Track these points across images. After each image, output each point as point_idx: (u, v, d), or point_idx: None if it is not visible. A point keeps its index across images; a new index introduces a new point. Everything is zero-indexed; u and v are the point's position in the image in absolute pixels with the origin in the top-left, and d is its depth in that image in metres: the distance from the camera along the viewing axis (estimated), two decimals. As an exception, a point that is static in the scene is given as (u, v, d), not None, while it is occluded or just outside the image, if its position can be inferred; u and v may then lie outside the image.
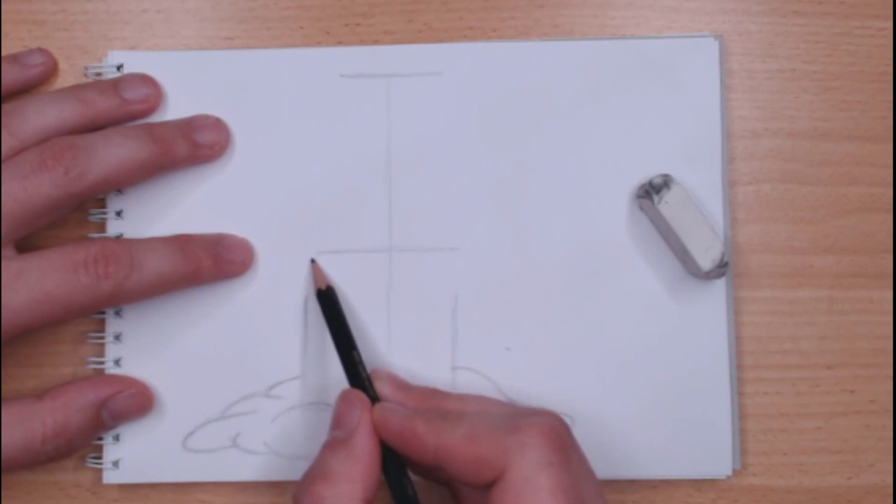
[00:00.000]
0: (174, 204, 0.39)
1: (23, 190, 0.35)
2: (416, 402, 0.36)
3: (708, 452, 0.38)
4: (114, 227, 0.39)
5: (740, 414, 0.39)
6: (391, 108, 0.39)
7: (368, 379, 0.36)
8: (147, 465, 0.38)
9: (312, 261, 0.39)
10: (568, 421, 0.38)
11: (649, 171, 0.39)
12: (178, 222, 0.39)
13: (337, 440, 0.34)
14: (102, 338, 0.39)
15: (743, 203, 0.40)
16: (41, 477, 0.39)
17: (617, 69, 0.39)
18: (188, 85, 0.39)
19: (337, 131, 0.39)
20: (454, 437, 0.32)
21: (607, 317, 0.39)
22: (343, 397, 0.35)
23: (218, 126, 0.39)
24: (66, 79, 0.40)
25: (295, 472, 0.38)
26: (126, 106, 0.38)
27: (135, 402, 0.37)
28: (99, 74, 0.40)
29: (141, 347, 0.39)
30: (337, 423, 0.35)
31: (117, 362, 0.39)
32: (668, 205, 0.37)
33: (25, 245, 0.36)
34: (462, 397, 0.36)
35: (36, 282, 0.34)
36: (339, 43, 0.40)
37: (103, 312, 0.39)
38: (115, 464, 0.38)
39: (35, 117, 0.36)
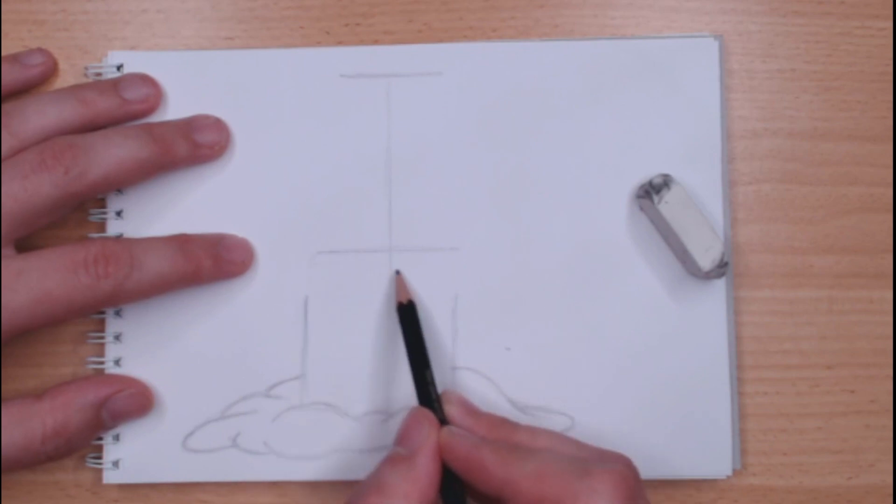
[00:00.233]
0: (174, 204, 0.39)
1: (23, 190, 0.35)
2: (484, 430, 0.35)
3: (708, 452, 0.38)
4: (114, 227, 0.39)
5: (740, 414, 0.39)
6: (391, 108, 0.39)
7: (438, 400, 0.36)
8: (147, 465, 0.38)
9: (397, 272, 0.38)
10: (568, 421, 0.38)
11: (649, 171, 0.39)
12: (178, 222, 0.39)
13: (399, 456, 0.34)
14: (102, 338, 0.39)
15: (743, 203, 0.40)
16: (41, 477, 0.39)
17: (617, 69, 0.39)
18: (188, 85, 0.39)
19: (337, 131, 0.39)
20: (522, 473, 0.32)
21: (607, 317, 0.39)
22: (412, 415, 0.35)
23: (218, 126, 0.39)
24: (66, 79, 0.40)
25: (295, 473, 0.38)
26: (126, 106, 0.38)
27: (135, 402, 0.37)
28: (99, 74, 0.40)
29: (141, 347, 0.39)
30: (402, 439, 0.34)
31: (117, 362, 0.39)
32: (668, 205, 0.37)
33: (25, 245, 0.36)
34: (532, 430, 0.35)
35: (36, 281, 0.34)
36: (339, 43, 0.40)
37: (103, 312, 0.39)
38: (115, 464, 0.38)
39: (35, 117, 0.36)
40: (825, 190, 0.40)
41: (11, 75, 0.39)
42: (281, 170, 0.39)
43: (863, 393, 0.39)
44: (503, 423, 0.36)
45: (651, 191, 0.38)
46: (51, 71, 0.40)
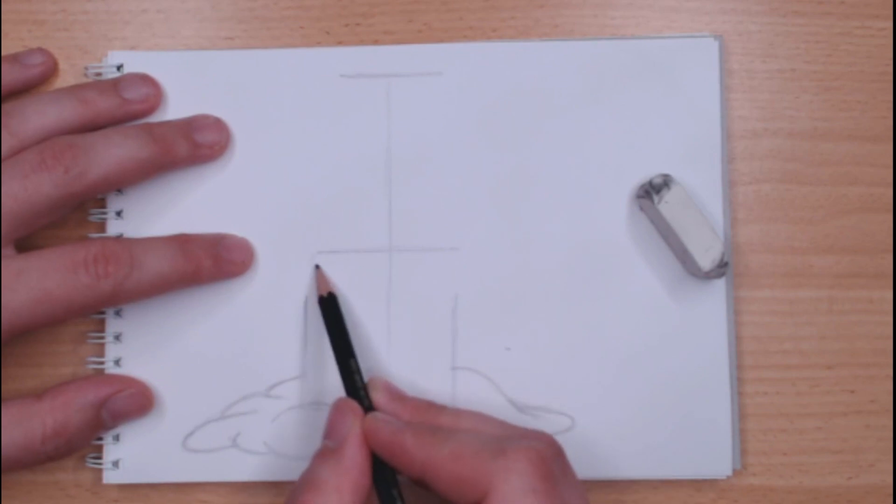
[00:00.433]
0: (174, 204, 0.39)
1: (23, 189, 0.35)
2: (410, 414, 0.36)
3: (708, 452, 0.38)
4: (114, 227, 0.39)
5: (740, 414, 0.39)
6: (391, 108, 0.39)
7: (364, 388, 0.36)
8: (147, 465, 0.38)
9: (317, 267, 0.39)
10: (568, 421, 0.38)
11: (649, 171, 0.39)
12: (178, 222, 0.39)
13: (327, 449, 0.34)
14: (102, 338, 0.39)
15: (743, 203, 0.40)
16: (41, 477, 0.39)
17: (617, 69, 0.39)
18: (188, 85, 0.39)
19: (337, 131, 0.39)
20: (440, 455, 0.32)
21: (607, 317, 0.39)
22: (336, 406, 0.35)
23: (218, 126, 0.39)
24: (66, 79, 0.40)
25: (295, 473, 0.38)
26: (126, 106, 0.38)
27: (135, 402, 0.37)
28: (99, 74, 0.40)
29: (141, 347, 0.39)
30: (329, 432, 0.35)
31: (117, 362, 0.39)
32: (668, 205, 0.37)
33: (25, 245, 0.36)
34: (457, 413, 0.36)
35: (36, 281, 0.34)
36: (339, 43, 0.40)
37: (103, 312, 0.39)
38: (115, 464, 0.38)
39: (35, 117, 0.36)
40: (825, 190, 0.40)
41: (11, 75, 0.39)
42: (281, 170, 0.39)
43: (863, 393, 0.39)
44: (429, 406, 0.36)
45: (651, 191, 0.38)
46: (51, 71, 0.40)
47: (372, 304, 0.39)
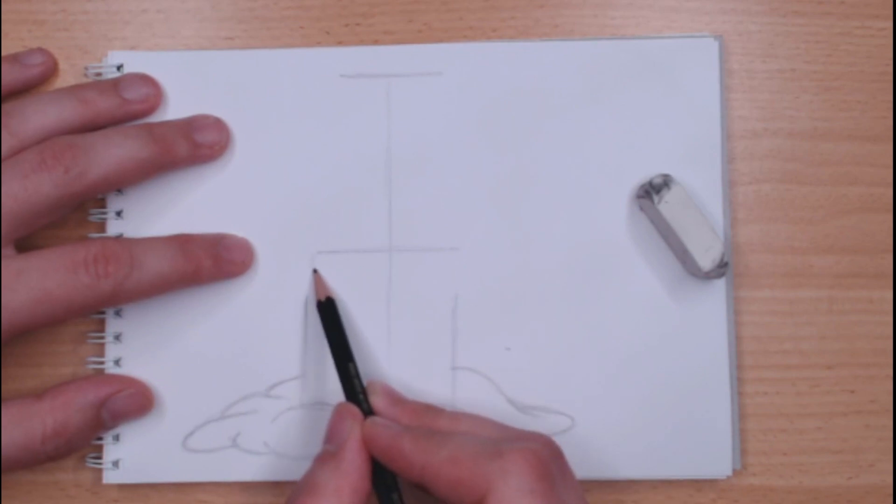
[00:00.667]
0: (174, 204, 0.39)
1: (23, 189, 0.35)
2: (408, 418, 0.36)
3: (708, 452, 0.38)
4: (114, 227, 0.39)
5: (740, 414, 0.39)
6: (391, 108, 0.39)
7: (364, 392, 0.36)
8: (147, 465, 0.38)
9: (315, 271, 0.39)
10: (568, 421, 0.38)
11: (649, 171, 0.39)
12: (178, 222, 0.39)
13: (327, 453, 0.34)
14: (102, 338, 0.39)
15: (743, 203, 0.40)
16: (41, 477, 0.39)
17: (617, 69, 0.39)
18: (188, 85, 0.39)
19: (337, 131, 0.39)
20: (438, 458, 0.32)
21: (607, 317, 0.39)
22: (336, 411, 0.36)
23: (218, 126, 0.39)
24: (66, 79, 0.40)
25: (295, 472, 0.38)
26: (126, 106, 0.38)
27: (135, 402, 0.37)
28: (99, 74, 0.40)
29: (141, 347, 0.39)
30: (329, 436, 0.35)
31: (117, 362, 0.39)
32: (668, 205, 0.37)
33: (25, 245, 0.36)
34: (455, 416, 0.36)
35: (36, 281, 0.34)
36: (339, 43, 0.40)
37: (103, 312, 0.39)
38: (115, 464, 0.38)
39: (35, 117, 0.36)
40: (825, 190, 0.40)
41: (11, 75, 0.39)
42: (281, 170, 0.39)
43: (863, 393, 0.39)
44: (427, 410, 0.36)
45: (651, 191, 0.38)
46: (51, 71, 0.40)
47: (372, 304, 0.39)
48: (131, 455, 0.38)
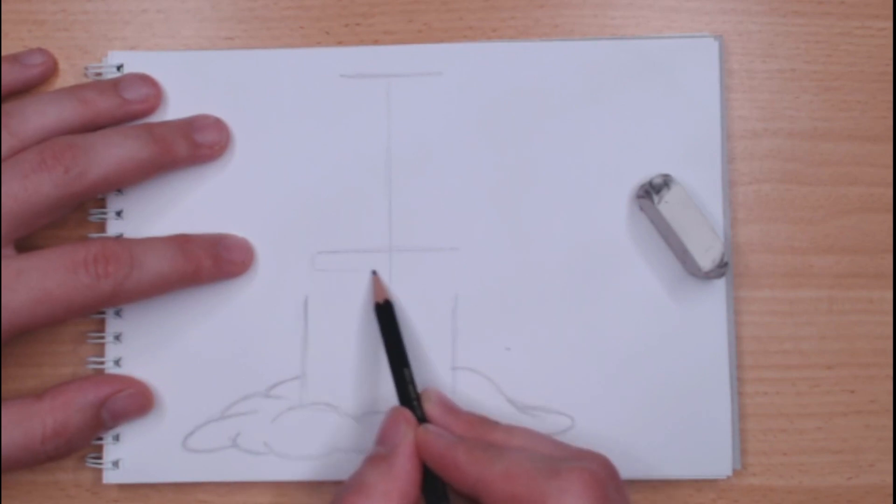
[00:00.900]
0: (174, 204, 0.39)
1: (23, 189, 0.35)
2: (462, 429, 0.35)
3: (708, 452, 0.38)
4: (114, 227, 0.39)
5: (740, 414, 0.39)
6: (391, 108, 0.39)
7: (418, 398, 0.36)
8: (147, 465, 0.38)
9: (374, 272, 0.38)
10: (568, 421, 0.38)
11: (649, 171, 0.39)
12: (178, 222, 0.39)
13: (378, 455, 0.34)
14: (102, 338, 0.39)
15: (743, 203, 0.40)
16: (41, 477, 0.39)
17: (617, 69, 0.39)
18: (188, 85, 0.39)
19: (337, 131, 0.39)
20: (493, 472, 0.32)
21: (607, 317, 0.39)
22: (390, 414, 0.35)
23: (218, 126, 0.39)
24: (66, 79, 0.40)
25: (295, 473, 0.38)
26: (126, 106, 0.38)
27: (135, 402, 0.37)
28: (99, 74, 0.40)
29: (141, 347, 0.39)
30: (381, 438, 0.35)
31: (117, 362, 0.39)
32: (668, 205, 0.37)
33: (25, 245, 0.36)
34: (510, 430, 0.35)
35: (36, 281, 0.34)
36: (339, 43, 0.40)
37: (103, 312, 0.39)
38: (115, 464, 0.38)
39: (35, 117, 0.36)
40: (825, 190, 0.40)
41: (11, 75, 0.39)
42: (281, 170, 0.39)
43: (863, 393, 0.39)
44: (481, 421, 0.36)
45: (651, 191, 0.38)
46: (51, 71, 0.40)
47: (372, 304, 0.39)
48: (131, 455, 0.38)
